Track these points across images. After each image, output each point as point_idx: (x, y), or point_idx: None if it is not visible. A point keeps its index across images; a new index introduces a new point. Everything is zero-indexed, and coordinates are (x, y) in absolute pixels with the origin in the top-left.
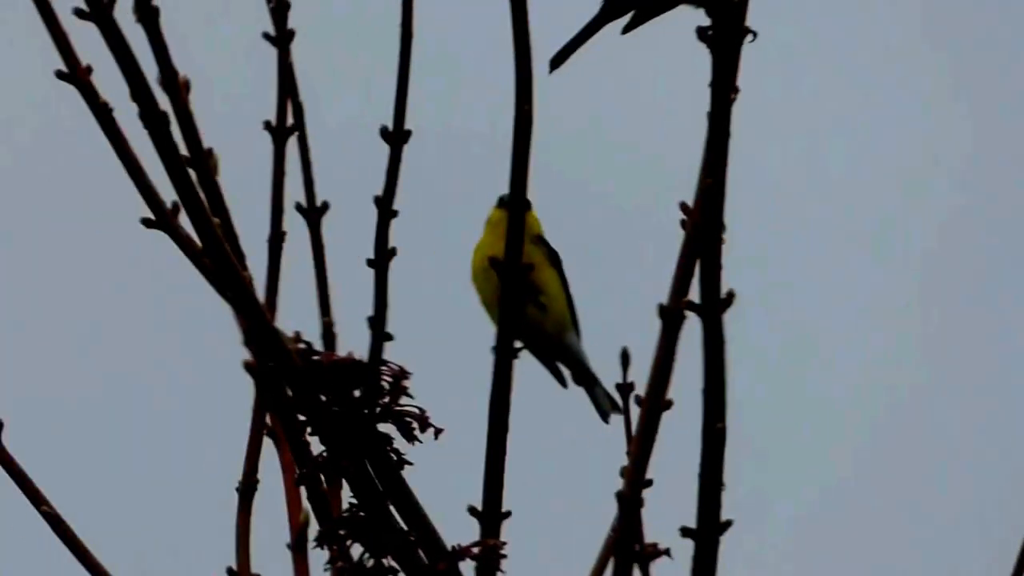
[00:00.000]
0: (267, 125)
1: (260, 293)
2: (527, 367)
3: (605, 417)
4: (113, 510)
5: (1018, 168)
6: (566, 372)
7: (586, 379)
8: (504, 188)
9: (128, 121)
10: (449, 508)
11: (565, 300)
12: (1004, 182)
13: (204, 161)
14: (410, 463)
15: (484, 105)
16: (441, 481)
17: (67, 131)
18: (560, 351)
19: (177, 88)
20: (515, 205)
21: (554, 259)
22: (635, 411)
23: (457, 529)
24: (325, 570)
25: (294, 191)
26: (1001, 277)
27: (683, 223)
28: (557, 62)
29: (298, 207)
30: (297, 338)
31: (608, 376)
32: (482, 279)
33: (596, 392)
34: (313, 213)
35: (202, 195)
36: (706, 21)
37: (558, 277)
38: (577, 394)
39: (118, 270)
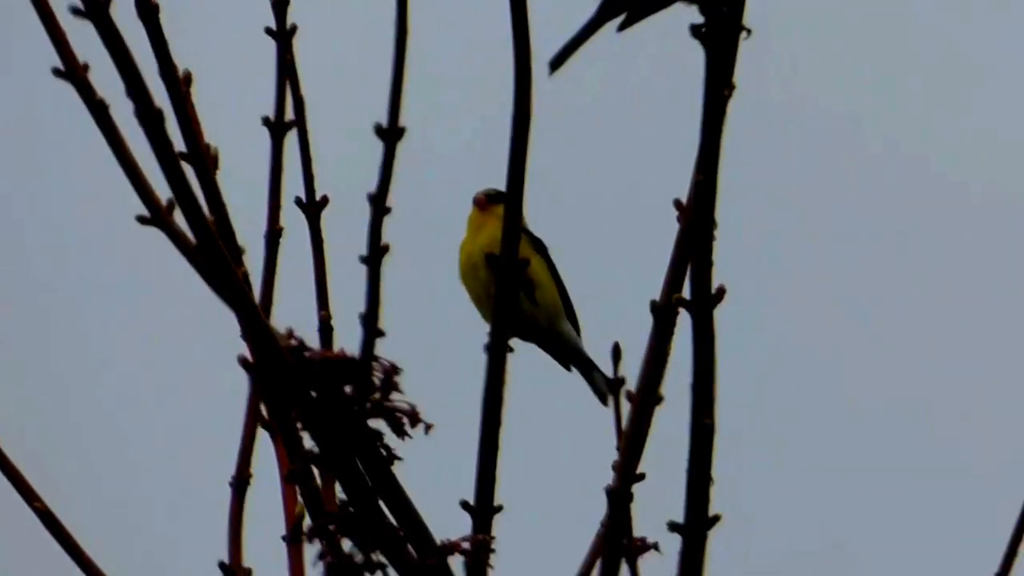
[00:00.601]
0: (266, 120)
1: (257, 288)
2: (518, 364)
3: (604, 400)
4: (106, 505)
5: None
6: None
7: (582, 364)
8: (496, 183)
9: (125, 118)
10: (440, 504)
11: (555, 288)
12: None
13: (203, 157)
14: (400, 459)
15: (480, 102)
16: (432, 477)
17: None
18: (553, 339)
19: (177, 84)
20: (512, 202)
21: (539, 247)
22: (626, 406)
23: (449, 524)
24: (314, 564)
25: (292, 187)
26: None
27: (677, 219)
28: (557, 64)
29: (297, 201)
30: (290, 334)
31: None
32: (471, 277)
33: (594, 376)
34: (312, 208)
35: (198, 192)
36: (700, 19)
37: (546, 266)
38: (568, 389)
39: (114, 267)
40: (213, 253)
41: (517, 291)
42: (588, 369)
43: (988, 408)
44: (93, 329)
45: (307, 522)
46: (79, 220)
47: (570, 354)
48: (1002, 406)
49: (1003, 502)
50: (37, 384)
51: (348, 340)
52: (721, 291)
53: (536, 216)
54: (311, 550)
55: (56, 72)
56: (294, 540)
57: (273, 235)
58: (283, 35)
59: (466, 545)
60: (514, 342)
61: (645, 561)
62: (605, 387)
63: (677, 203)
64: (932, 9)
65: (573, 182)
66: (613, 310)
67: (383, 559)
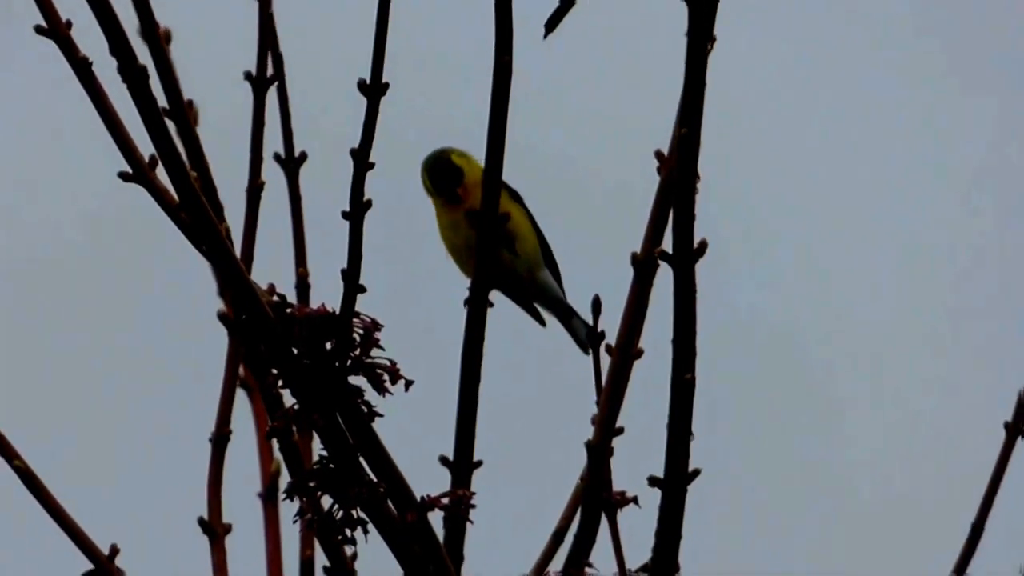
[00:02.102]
0: (248, 76)
1: (238, 243)
2: (496, 319)
3: (585, 348)
4: (85, 463)
5: None
6: (543, 311)
7: (563, 313)
8: (479, 137)
9: (108, 75)
10: (420, 459)
11: (535, 238)
12: None
13: (184, 113)
14: (380, 415)
15: (461, 58)
16: (412, 433)
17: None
18: (534, 289)
19: (158, 40)
20: (493, 155)
21: (515, 197)
22: (606, 360)
23: (429, 480)
24: (294, 521)
25: (273, 143)
26: None
27: (658, 171)
28: (552, 25)
29: (276, 157)
30: (271, 290)
31: None
32: (450, 231)
33: (574, 324)
34: (291, 164)
35: (180, 148)
36: None
37: (524, 215)
38: (547, 344)
39: (96, 224)
40: (195, 209)
41: (498, 246)
42: (568, 318)
43: None
44: (71, 288)
45: (285, 479)
46: (57, 177)
47: (551, 303)
48: None
49: None
50: (14, 343)
51: (327, 297)
52: (703, 245)
53: (516, 169)
54: (289, 507)
55: (39, 30)
56: (270, 497)
57: (254, 191)
58: None
59: (446, 500)
60: (493, 296)
61: (624, 515)
62: (585, 336)
63: (658, 154)
64: None
65: (555, 132)
66: (593, 264)
67: (363, 516)
